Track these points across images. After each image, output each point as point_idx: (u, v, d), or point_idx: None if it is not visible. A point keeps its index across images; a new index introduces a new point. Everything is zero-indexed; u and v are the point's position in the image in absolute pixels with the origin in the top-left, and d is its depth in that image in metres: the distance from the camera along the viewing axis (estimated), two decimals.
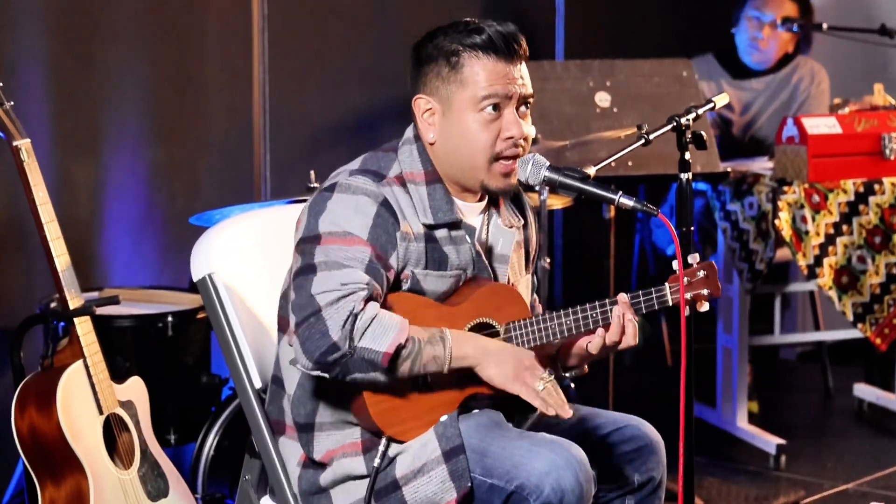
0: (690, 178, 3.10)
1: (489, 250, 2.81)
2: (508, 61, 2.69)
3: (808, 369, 5.91)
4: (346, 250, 2.59)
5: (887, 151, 4.52)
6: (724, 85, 5.25)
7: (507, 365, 2.65)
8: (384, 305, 2.61)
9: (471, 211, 2.79)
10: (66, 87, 4.22)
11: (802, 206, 4.44)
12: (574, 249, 5.69)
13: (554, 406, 2.62)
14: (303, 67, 4.87)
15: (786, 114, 5.04)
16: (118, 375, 3.39)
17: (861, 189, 4.50)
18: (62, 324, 3.40)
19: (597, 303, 2.71)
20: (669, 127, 3.12)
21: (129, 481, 3.33)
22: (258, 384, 2.87)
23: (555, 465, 2.57)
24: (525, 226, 2.90)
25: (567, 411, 2.62)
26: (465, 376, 2.67)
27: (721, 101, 3.21)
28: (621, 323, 2.68)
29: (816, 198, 4.46)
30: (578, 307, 2.72)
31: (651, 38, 5.63)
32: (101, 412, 3.30)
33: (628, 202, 2.65)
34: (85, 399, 3.27)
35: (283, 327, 2.78)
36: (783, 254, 4.63)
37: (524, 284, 2.88)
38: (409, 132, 2.78)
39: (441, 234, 2.73)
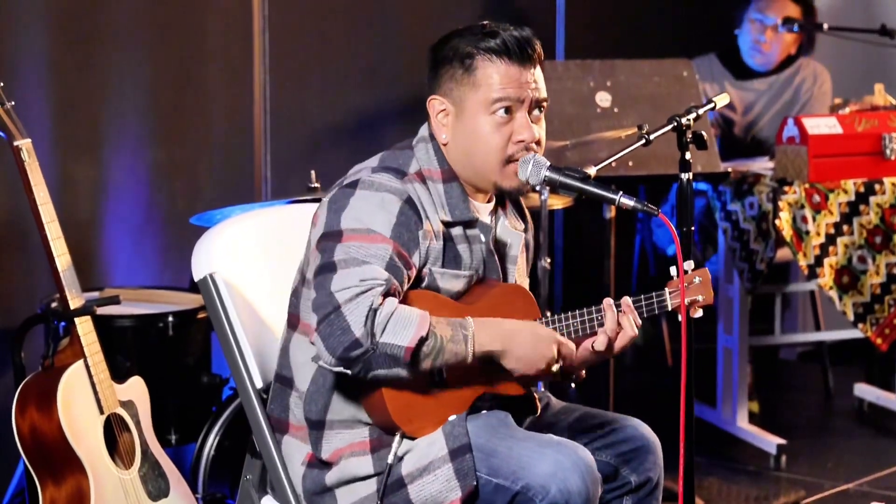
0: (691, 178, 3.10)
1: (502, 251, 2.83)
2: (522, 65, 2.70)
3: (808, 369, 5.91)
4: (368, 247, 2.59)
5: (888, 151, 4.52)
6: (726, 85, 5.25)
7: (526, 346, 2.65)
8: (403, 302, 2.61)
9: (482, 211, 2.81)
10: (66, 87, 4.22)
11: (803, 206, 4.43)
12: (574, 249, 5.69)
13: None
14: (303, 67, 4.87)
15: (788, 115, 5.04)
16: (119, 375, 3.39)
17: (861, 189, 4.50)
18: (63, 324, 3.40)
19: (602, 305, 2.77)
20: (670, 127, 3.12)
21: (129, 481, 3.33)
22: (259, 384, 2.88)
23: (561, 466, 2.57)
24: (525, 230, 2.93)
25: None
26: (478, 375, 2.68)
27: (721, 101, 3.20)
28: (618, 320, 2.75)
29: (817, 198, 4.46)
30: (585, 309, 2.76)
31: (652, 38, 5.63)
32: (101, 412, 3.30)
33: (629, 202, 2.66)
34: (86, 399, 3.27)
35: (293, 324, 2.78)
36: (783, 254, 4.63)
37: (526, 286, 2.90)
38: (423, 130, 2.79)
39: (456, 231, 2.74)
